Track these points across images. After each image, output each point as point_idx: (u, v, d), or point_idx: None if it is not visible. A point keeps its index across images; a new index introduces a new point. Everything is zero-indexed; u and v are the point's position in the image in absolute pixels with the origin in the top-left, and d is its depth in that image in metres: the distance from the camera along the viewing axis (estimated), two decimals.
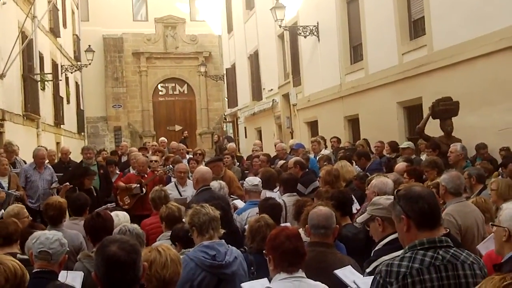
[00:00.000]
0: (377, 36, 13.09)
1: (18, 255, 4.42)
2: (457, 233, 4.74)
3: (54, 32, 20.31)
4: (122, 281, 2.59)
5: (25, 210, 6.02)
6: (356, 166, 9.30)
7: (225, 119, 29.71)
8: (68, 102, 23.06)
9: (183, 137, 24.90)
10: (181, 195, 8.24)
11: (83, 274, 4.12)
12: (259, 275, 4.15)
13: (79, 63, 24.81)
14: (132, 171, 10.52)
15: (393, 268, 2.69)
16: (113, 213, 5.33)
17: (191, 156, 12.16)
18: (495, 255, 3.59)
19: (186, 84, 31.67)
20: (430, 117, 9.64)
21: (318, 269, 3.67)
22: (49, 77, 18.73)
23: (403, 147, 10.01)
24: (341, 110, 15.17)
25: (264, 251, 3.50)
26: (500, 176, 6.98)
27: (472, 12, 9.74)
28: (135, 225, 4.63)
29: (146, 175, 9.87)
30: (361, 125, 14.17)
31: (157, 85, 31.35)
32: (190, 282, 3.92)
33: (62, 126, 20.97)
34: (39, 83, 16.97)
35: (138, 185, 9.57)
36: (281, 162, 10.20)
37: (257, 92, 23.10)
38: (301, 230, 4.28)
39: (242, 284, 3.75)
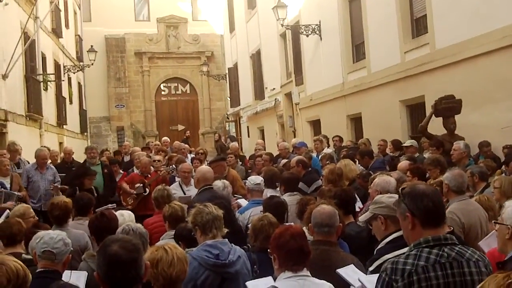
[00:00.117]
0: (379, 34, 13.08)
1: (23, 255, 4.43)
2: (460, 231, 4.74)
3: (57, 32, 20.33)
4: (124, 280, 2.59)
5: (31, 210, 6.04)
6: (359, 165, 9.29)
7: (228, 118, 29.73)
8: (71, 102, 23.08)
9: (185, 137, 24.90)
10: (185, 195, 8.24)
11: (86, 273, 4.13)
12: (262, 273, 4.16)
13: (81, 63, 24.84)
14: (136, 170, 10.55)
15: (398, 265, 2.70)
16: (118, 212, 5.35)
17: (193, 156, 12.19)
18: (498, 253, 3.58)
19: (188, 84, 31.69)
20: (433, 115, 9.63)
21: (322, 267, 3.67)
22: (52, 77, 18.75)
23: (406, 145, 10.00)
24: (344, 109, 15.16)
25: (268, 250, 3.50)
26: (503, 174, 6.97)
27: (474, 10, 9.73)
28: (139, 225, 4.64)
29: (149, 175, 9.89)
30: (364, 123, 14.16)
31: (160, 85, 31.38)
32: (193, 281, 3.92)
33: (64, 126, 21.00)
34: (41, 83, 16.99)
35: (141, 185, 9.59)
36: (284, 161, 10.19)
37: (259, 92, 23.10)
38: (304, 229, 4.28)
39: (247, 283, 3.76)
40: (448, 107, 9.43)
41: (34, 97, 15.74)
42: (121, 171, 11.23)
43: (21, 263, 3.06)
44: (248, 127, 25.47)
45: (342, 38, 14.98)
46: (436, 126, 9.66)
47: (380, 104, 12.98)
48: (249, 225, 5.12)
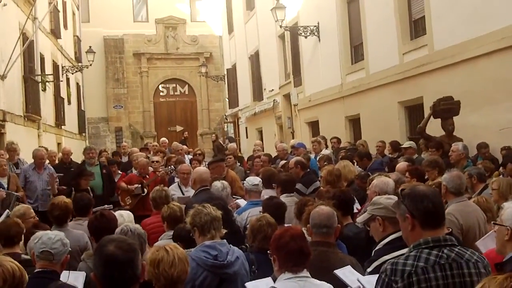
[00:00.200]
0: (377, 36, 13.09)
1: (23, 256, 4.43)
2: (459, 233, 4.74)
3: (55, 33, 20.32)
4: (121, 280, 2.60)
5: (32, 210, 6.03)
6: (357, 167, 9.29)
7: (226, 119, 29.73)
8: (69, 103, 23.07)
9: (183, 138, 24.91)
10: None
11: (85, 274, 4.12)
12: (260, 273, 4.16)
13: (80, 64, 24.82)
14: (134, 171, 10.55)
15: (398, 266, 2.71)
16: (117, 213, 5.35)
17: (191, 157, 12.19)
18: (494, 254, 3.58)
19: (187, 85, 31.69)
20: (431, 116, 9.64)
21: (320, 268, 3.67)
22: (50, 78, 18.73)
23: (405, 146, 10.00)
24: (342, 110, 15.17)
25: (268, 252, 3.50)
26: (500, 176, 6.98)
27: (473, 11, 9.74)
28: (137, 225, 4.65)
29: (147, 176, 9.88)
30: (362, 125, 14.17)
31: (158, 85, 31.38)
32: (191, 282, 3.92)
33: (63, 127, 20.99)
34: (40, 84, 16.98)
35: (140, 186, 9.59)
36: (282, 162, 10.19)
37: (258, 93, 23.11)
38: (303, 230, 4.28)
39: (246, 284, 3.76)
40: (447, 109, 9.45)
41: (32, 97, 15.73)
42: (119, 172, 11.22)
43: (17, 263, 3.06)
44: (246, 128, 25.48)
45: (341, 39, 15.00)
46: (434, 128, 9.67)
47: (379, 106, 12.99)
48: (247, 226, 5.11)
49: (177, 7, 31.00)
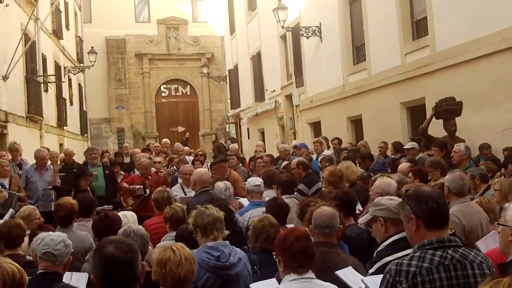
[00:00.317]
0: (379, 36, 13.08)
1: (27, 257, 4.44)
2: (461, 234, 4.73)
3: (57, 34, 20.34)
4: (121, 280, 2.60)
5: (37, 211, 6.04)
6: (359, 168, 9.27)
7: (228, 120, 29.72)
8: (71, 103, 23.08)
9: (184, 139, 24.93)
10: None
11: (87, 275, 4.12)
12: (262, 274, 4.16)
13: (82, 64, 24.84)
14: (136, 172, 10.56)
15: (402, 267, 2.72)
16: (121, 213, 5.35)
17: (192, 157, 12.20)
18: (495, 254, 3.58)
19: (188, 86, 31.70)
20: (434, 117, 9.63)
21: (322, 269, 3.66)
22: (52, 78, 18.76)
23: (408, 147, 9.99)
24: (344, 111, 15.16)
25: (273, 253, 3.50)
26: (502, 176, 6.97)
27: (475, 12, 9.73)
28: (140, 226, 4.65)
29: (149, 177, 9.89)
30: (364, 125, 14.16)
31: (160, 86, 31.40)
32: (194, 283, 3.91)
33: (65, 127, 21.00)
34: (42, 84, 17.00)
35: (142, 186, 9.59)
36: (285, 163, 10.19)
37: (259, 93, 23.11)
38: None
39: (251, 285, 3.76)
40: (449, 109, 9.43)
41: (34, 98, 15.74)
42: (122, 172, 11.24)
43: (17, 265, 3.06)
44: (248, 128, 25.48)
45: (343, 40, 14.99)
46: (436, 128, 9.66)
47: (381, 106, 12.98)
48: (249, 227, 5.11)
49: (179, 8, 31.02)
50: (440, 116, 9.54)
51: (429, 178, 6.81)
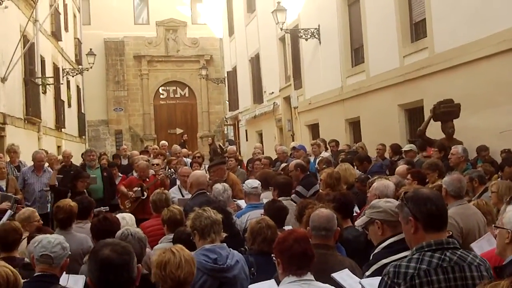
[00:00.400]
0: (378, 38, 13.09)
1: (26, 259, 4.43)
2: (459, 236, 4.73)
3: (56, 35, 20.32)
4: (117, 283, 2.60)
5: (36, 214, 6.03)
6: (357, 170, 9.26)
7: (226, 122, 29.72)
8: (69, 105, 23.07)
9: (182, 141, 24.91)
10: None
11: (85, 277, 4.11)
12: (259, 276, 4.15)
13: (80, 66, 24.82)
14: (134, 174, 10.55)
15: (401, 269, 2.73)
16: (119, 215, 5.34)
17: (190, 160, 12.19)
18: (490, 256, 3.58)
19: (187, 87, 31.70)
20: (432, 119, 9.64)
21: (319, 271, 3.66)
22: (51, 80, 18.73)
23: (406, 149, 10.00)
24: (342, 113, 15.16)
25: (272, 255, 3.50)
26: (499, 179, 6.97)
27: (473, 14, 9.74)
28: (138, 229, 4.63)
29: (147, 179, 9.87)
30: (362, 127, 14.17)
31: (158, 88, 31.39)
32: (191, 286, 3.91)
33: (63, 129, 20.98)
34: (40, 86, 16.97)
35: (139, 189, 9.57)
36: (283, 165, 10.19)
37: (258, 95, 23.11)
38: None
39: (250, 286, 3.75)
40: (447, 111, 9.45)
41: (32, 100, 15.72)
42: (120, 174, 11.22)
43: (12, 268, 3.06)
44: (246, 130, 25.48)
45: (341, 42, 15.00)
46: (434, 130, 9.67)
47: (379, 108, 12.99)
48: (247, 228, 5.11)
49: (178, 10, 31.03)
50: (438, 118, 9.55)
51: (427, 180, 6.82)
